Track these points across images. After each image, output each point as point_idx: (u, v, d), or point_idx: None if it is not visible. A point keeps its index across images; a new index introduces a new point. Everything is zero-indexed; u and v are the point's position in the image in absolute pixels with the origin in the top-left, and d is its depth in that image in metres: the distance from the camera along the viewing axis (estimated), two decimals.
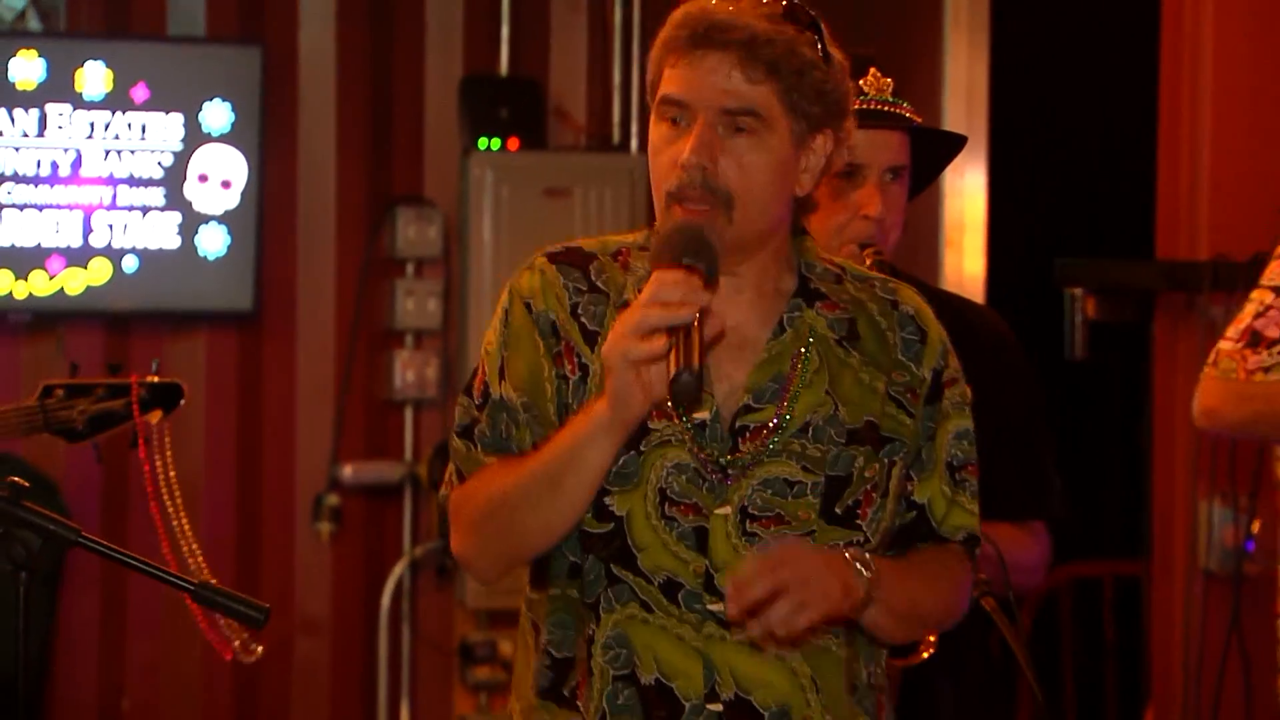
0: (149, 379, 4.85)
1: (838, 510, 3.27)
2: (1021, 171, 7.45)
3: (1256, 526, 6.12)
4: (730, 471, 3.25)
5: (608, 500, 3.23)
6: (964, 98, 7.29)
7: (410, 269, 7.67)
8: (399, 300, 7.63)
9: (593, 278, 3.33)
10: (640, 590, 3.25)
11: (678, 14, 3.27)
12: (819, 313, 3.33)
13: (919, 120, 4.25)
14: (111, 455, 7.24)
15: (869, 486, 3.29)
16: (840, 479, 3.27)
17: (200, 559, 4.93)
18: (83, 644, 7.39)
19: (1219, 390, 4.57)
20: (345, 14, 7.66)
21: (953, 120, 7.26)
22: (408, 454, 7.68)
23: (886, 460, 3.30)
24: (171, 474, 4.88)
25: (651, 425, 3.23)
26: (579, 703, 3.29)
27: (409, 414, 7.70)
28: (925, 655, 4.08)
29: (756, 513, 3.24)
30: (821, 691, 3.29)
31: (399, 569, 7.65)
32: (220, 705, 7.59)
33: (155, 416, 4.85)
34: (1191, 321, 6.18)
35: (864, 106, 4.15)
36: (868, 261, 4.08)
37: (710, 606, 3.22)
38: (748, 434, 3.26)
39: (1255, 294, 4.65)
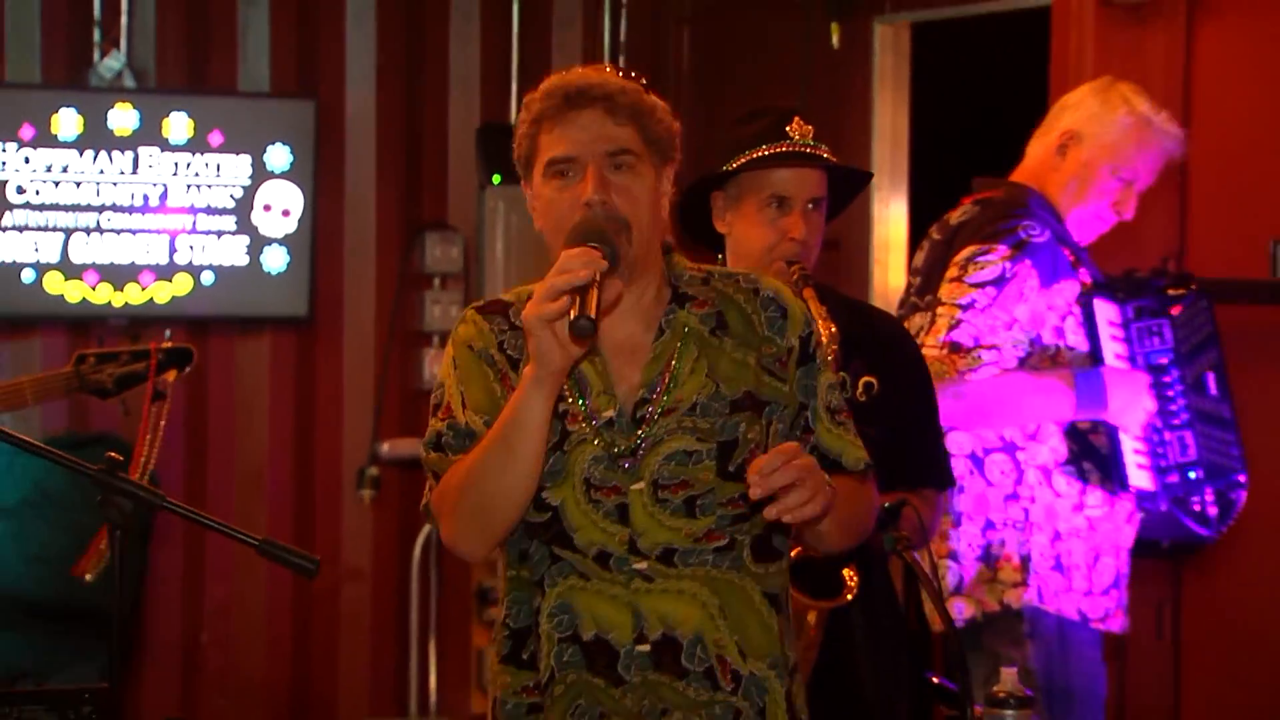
0: (164, 345, 4.89)
1: (730, 469, 3.28)
2: (936, 201, 7.42)
3: None
4: (639, 453, 3.27)
5: (544, 494, 3.25)
6: (889, 140, 7.25)
7: (436, 282, 7.69)
8: (427, 307, 7.66)
9: (511, 319, 3.36)
10: (578, 564, 3.26)
11: (541, 90, 3.33)
12: (690, 311, 3.35)
13: (834, 160, 4.29)
14: (193, 434, 7.31)
15: (754, 445, 3.30)
16: (729, 443, 3.29)
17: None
18: (168, 589, 7.40)
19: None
20: (383, 74, 7.69)
21: (879, 157, 7.26)
22: (423, 445, 7.68)
23: (766, 421, 3.33)
24: (162, 423, 4.91)
25: (569, 428, 3.26)
26: (535, 664, 3.31)
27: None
28: (849, 597, 4.14)
29: (665, 482, 3.27)
30: (728, 617, 3.29)
31: (427, 528, 7.57)
32: (281, 639, 7.59)
33: (171, 375, 4.88)
34: None
35: (790, 149, 4.23)
36: (794, 275, 4.17)
37: (635, 565, 3.25)
38: (645, 421, 3.29)
39: (942, 310, 4.80)
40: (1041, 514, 4.84)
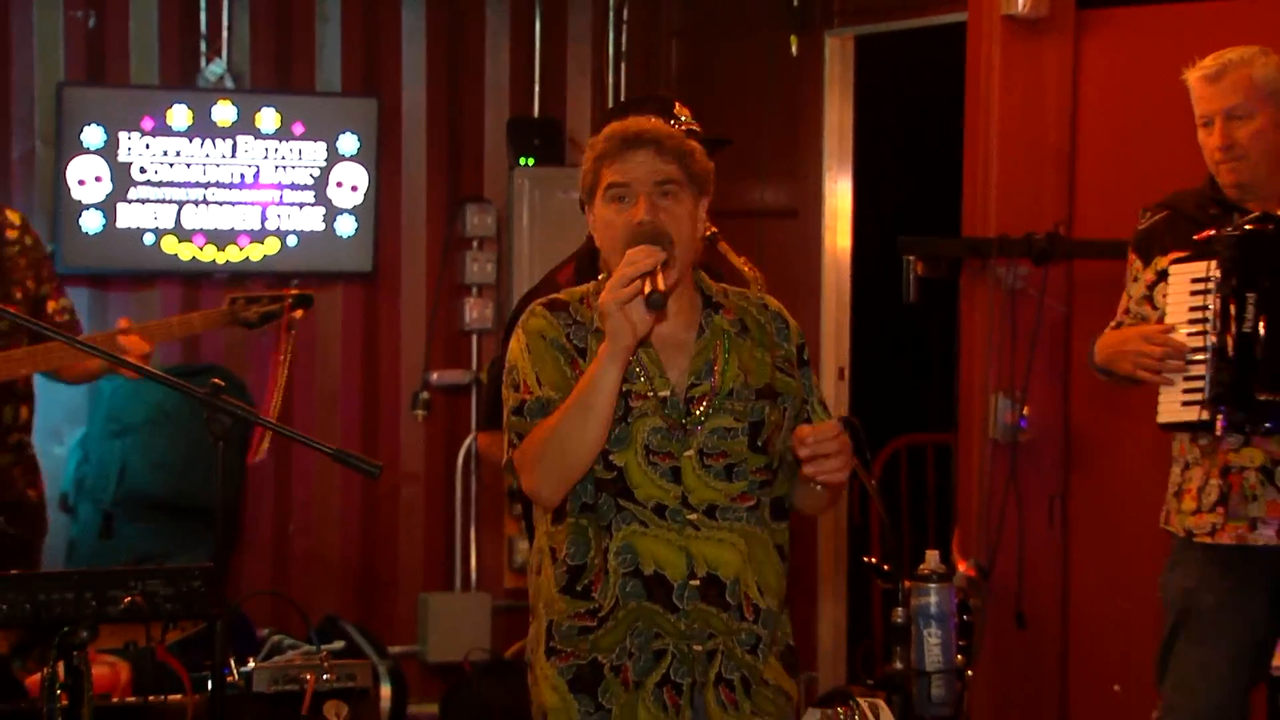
0: (293, 291, 4.93)
1: (759, 444, 3.35)
2: (876, 181, 7.44)
3: (1026, 410, 6.15)
4: (688, 427, 3.32)
5: (611, 456, 3.29)
6: (837, 131, 7.17)
7: (475, 244, 7.64)
8: (467, 265, 7.62)
9: (573, 314, 3.40)
10: (639, 514, 3.30)
11: (604, 135, 3.39)
12: (722, 316, 3.42)
13: (702, 133, 4.07)
14: (260, 365, 7.31)
15: (775, 426, 3.37)
16: (757, 424, 3.36)
17: (273, 417, 5.03)
18: (262, 489, 7.41)
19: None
20: (432, 77, 7.66)
21: (829, 145, 7.21)
22: (474, 365, 7.66)
23: (781, 408, 3.39)
24: (288, 355, 5.06)
25: (632, 404, 3.29)
26: (593, 595, 3.31)
27: (474, 340, 7.69)
28: None
29: (709, 451, 3.32)
30: (753, 561, 3.35)
31: (468, 440, 7.62)
32: (352, 530, 7.59)
33: (299, 313, 4.95)
34: (984, 278, 6.20)
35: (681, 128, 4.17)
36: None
37: (688, 517, 3.29)
38: (695, 402, 3.34)
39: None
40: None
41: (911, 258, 6.19)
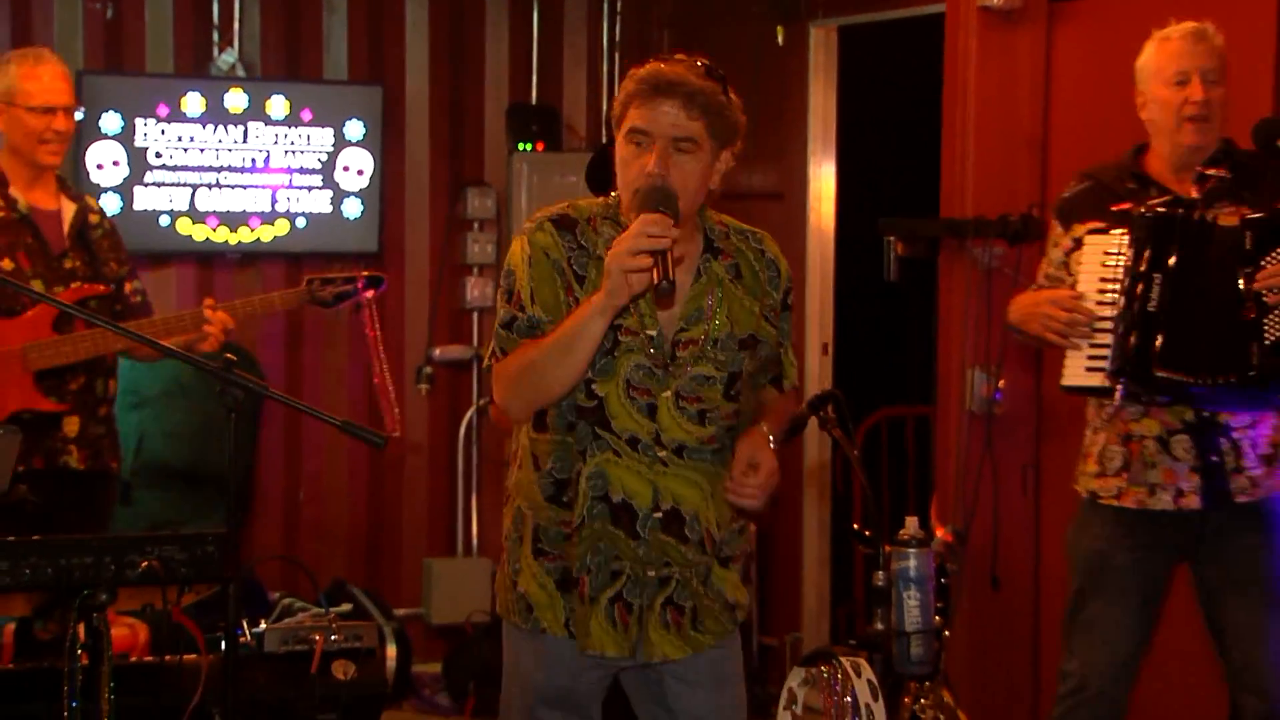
0: (366, 272, 4.99)
1: (732, 392, 3.38)
2: (858, 165, 7.43)
3: (1002, 384, 6.14)
4: (671, 369, 3.32)
5: (594, 386, 3.31)
6: (821, 118, 7.18)
7: (475, 226, 7.64)
8: (468, 245, 7.62)
9: (579, 237, 3.36)
10: (613, 443, 3.32)
11: (639, 72, 3.31)
12: (719, 262, 3.40)
13: None
14: (291, 341, 7.32)
15: (747, 376, 3.40)
16: (734, 374, 3.38)
17: (389, 381, 5.07)
18: (273, 458, 7.42)
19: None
20: (434, 66, 7.65)
21: (813, 131, 7.19)
22: (475, 342, 7.66)
23: (759, 356, 3.41)
24: (379, 333, 5.12)
25: (621, 338, 3.30)
26: (572, 505, 3.35)
27: (475, 317, 7.69)
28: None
29: (685, 395, 3.34)
30: (714, 499, 3.38)
31: (469, 413, 7.65)
32: (359, 497, 7.60)
33: (370, 293, 5.00)
34: (961, 257, 6.19)
35: None
36: None
37: (658, 453, 3.32)
38: (680, 345, 3.33)
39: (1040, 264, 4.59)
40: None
41: (892, 238, 6.18)
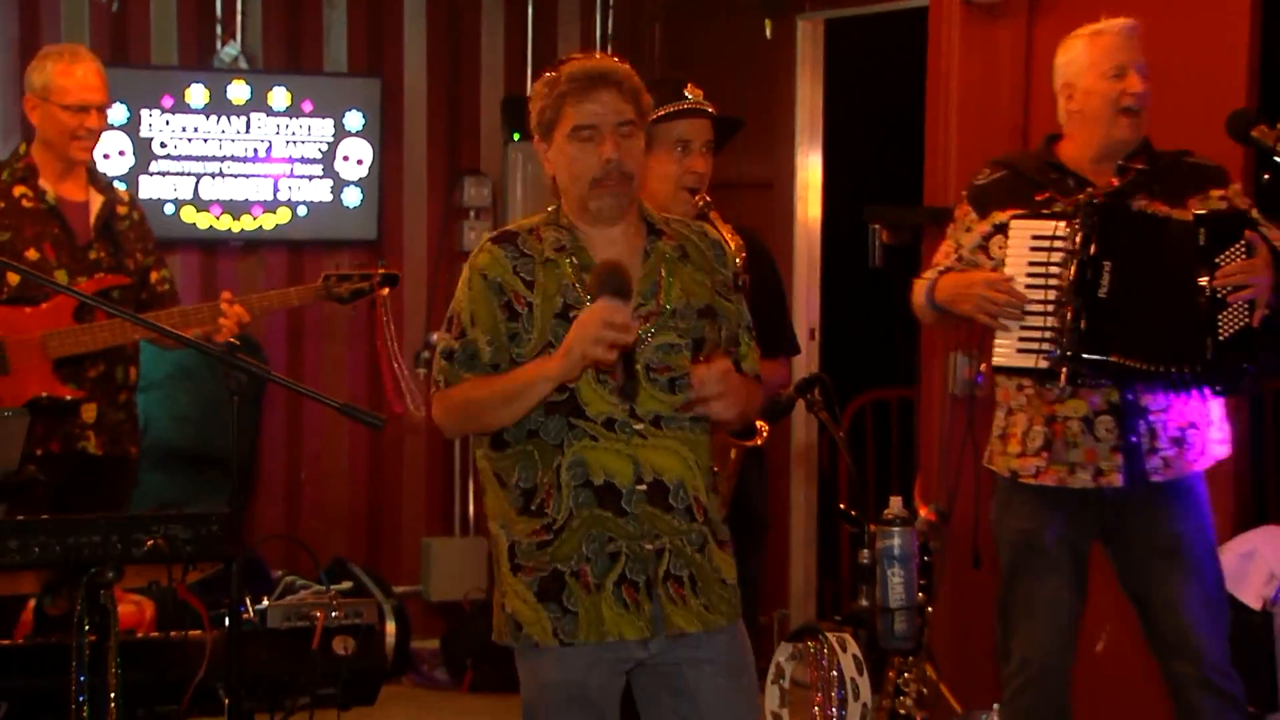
0: (381, 270, 4.93)
1: (700, 359, 3.35)
2: (844, 155, 7.44)
3: (983, 367, 6.13)
4: (637, 345, 3.29)
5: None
6: (808, 109, 7.19)
7: (472, 214, 7.63)
8: (465, 233, 7.60)
9: (520, 247, 3.36)
10: (589, 429, 3.28)
11: (567, 72, 3.35)
12: (664, 242, 3.41)
13: (716, 112, 4.31)
14: (293, 328, 7.32)
15: (713, 344, 3.38)
16: (699, 341, 3.36)
17: (405, 372, 5.02)
18: (275, 440, 7.41)
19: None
20: (432, 59, 7.64)
21: (801, 122, 7.20)
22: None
23: (719, 328, 3.40)
24: (393, 327, 4.97)
25: None
26: (546, 511, 3.30)
27: None
28: (760, 441, 4.17)
29: (655, 365, 3.32)
30: (695, 466, 3.36)
31: None
32: (360, 476, 7.60)
33: (385, 290, 4.92)
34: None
35: (688, 106, 4.25)
36: (699, 202, 4.21)
37: (635, 427, 3.29)
38: (641, 320, 3.31)
39: (941, 245, 4.60)
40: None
41: (877, 225, 6.17)
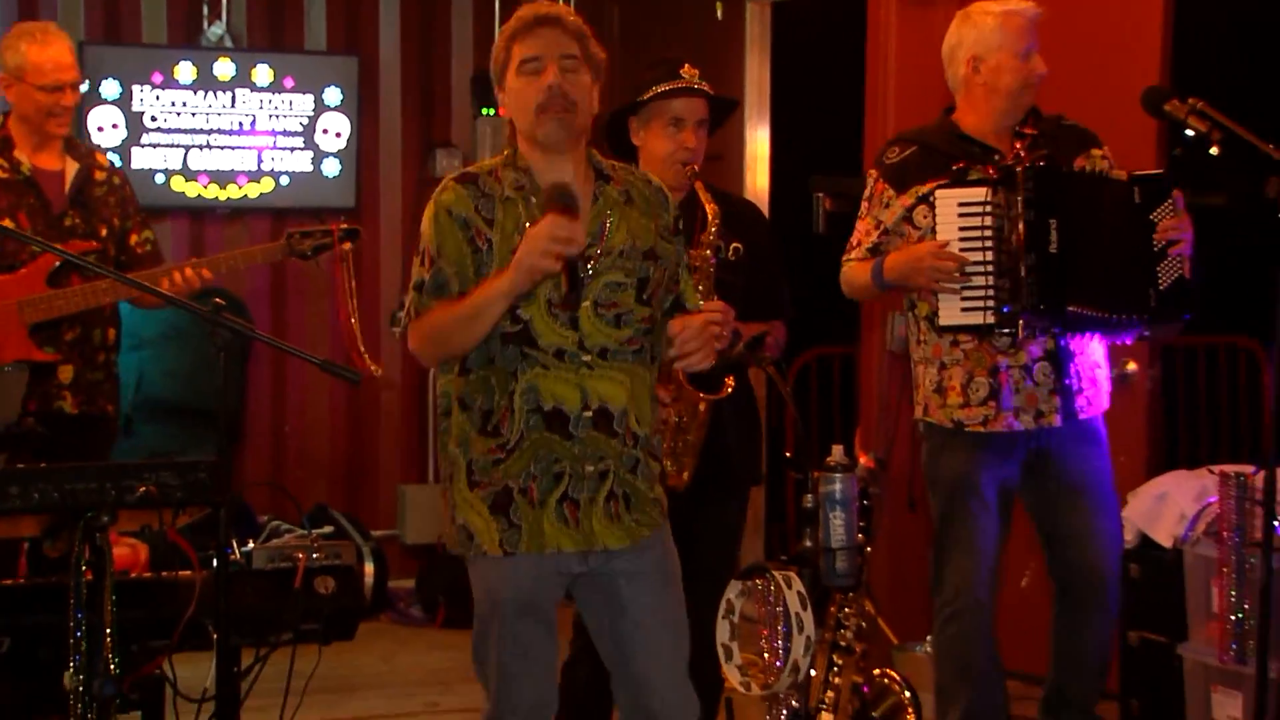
0: (343, 225, 4.83)
1: (644, 297, 3.37)
2: (790, 129, 7.44)
3: None
4: (585, 281, 3.31)
5: (518, 311, 3.29)
6: (756, 87, 7.20)
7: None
8: None
9: (481, 187, 3.35)
10: (541, 359, 3.30)
11: (515, 16, 3.38)
12: (612, 187, 3.41)
13: (712, 92, 4.30)
14: (277, 288, 7.29)
15: (656, 284, 3.39)
16: (644, 279, 3.37)
17: (358, 330, 4.90)
18: (261, 394, 7.41)
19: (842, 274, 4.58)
20: (405, 38, 7.60)
21: (749, 99, 7.18)
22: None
23: (662, 269, 3.40)
24: (353, 283, 4.82)
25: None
26: (502, 431, 3.32)
27: None
28: (726, 392, 4.17)
29: (602, 302, 3.33)
30: (636, 396, 3.37)
31: None
32: (341, 428, 7.60)
33: (347, 245, 4.80)
34: None
35: (683, 85, 4.23)
36: (688, 172, 4.19)
37: (583, 358, 3.30)
38: (590, 260, 3.33)
39: (859, 224, 4.58)
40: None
41: (821, 195, 6.20)
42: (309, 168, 7.25)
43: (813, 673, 3.94)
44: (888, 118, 6.17)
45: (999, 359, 4.37)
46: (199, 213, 7.18)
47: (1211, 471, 5.02)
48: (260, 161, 7.18)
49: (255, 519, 6.20)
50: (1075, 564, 4.50)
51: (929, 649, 5.70)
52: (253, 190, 7.18)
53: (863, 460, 5.97)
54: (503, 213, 3.32)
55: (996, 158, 4.38)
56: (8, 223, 4.69)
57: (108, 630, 3.53)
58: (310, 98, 7.22)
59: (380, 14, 7.58)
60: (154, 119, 6.97)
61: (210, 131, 7.08)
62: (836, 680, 4.04)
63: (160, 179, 7.01)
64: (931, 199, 4.35)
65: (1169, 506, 4.97)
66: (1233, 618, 4.79)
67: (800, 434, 4.12)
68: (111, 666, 3.53)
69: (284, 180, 7.22)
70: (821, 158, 6.95)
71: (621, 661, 3.43)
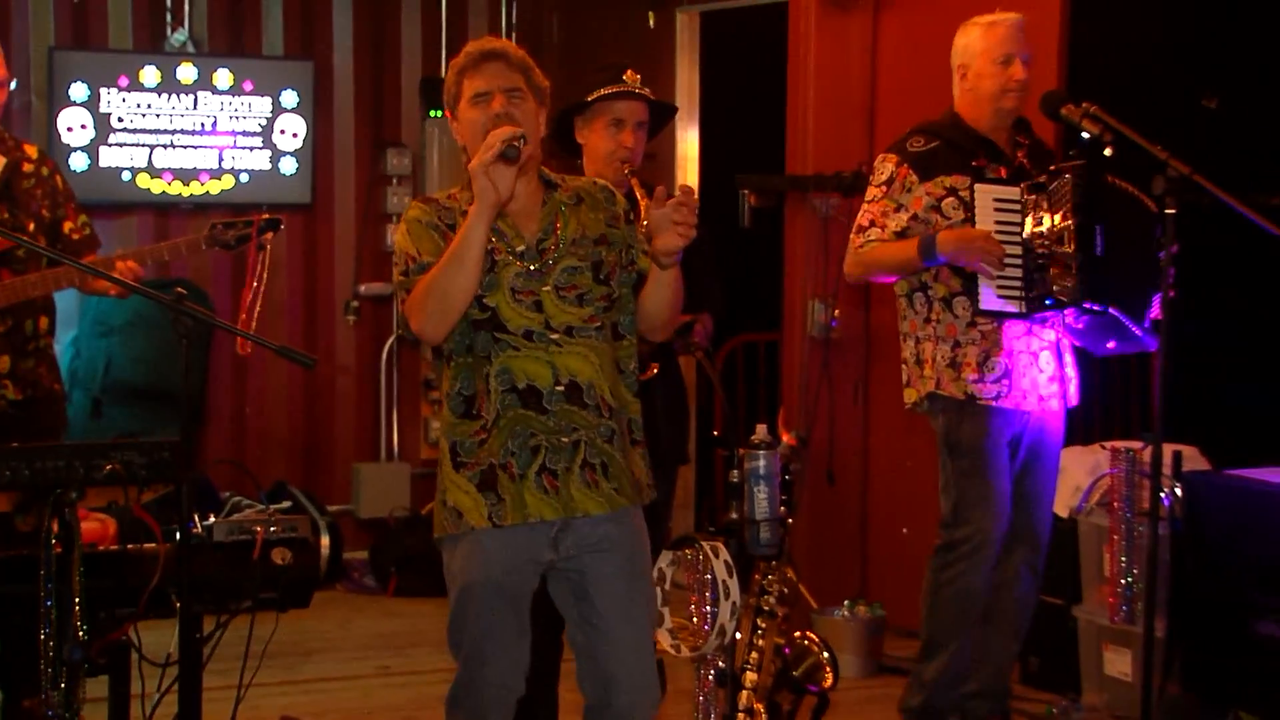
0: (264, 215, 4.69)
1: (601, 277, 3.39)
2: (717, 130, 7.45)
3: (837, 313, 6.19)
4: (544, 270, 3.34)
5: (484, 299, 3.30)
6: (686, 91, 7.21)
7: (394, 181, 7.57)
8: (388, 197, 7.55)
9: (443, 203, 3.40)
10: (511, 341, 3.31)
11: (464, 52, 3.41)
12: (560, 193, 3.44)
13: (653, 96, 4.30)
14: (235, 279, 7.22)
15: (610, 266, 3.40)
16: (597, 262, 3.39)
17: (255, 317, 4.71)
18: (222, 377, 7.36)
19: (848, 259, 4.61)
20: (358, 44, 7.55)
21: (680, 102, 7.18)
22: (395, 279, 7.63)
23: (616, 251, 3.42)
24: (264, 274, 4.65)
25: (496, 258, 3.32)
26: (481, 414, 3.33)
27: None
28: (652, 373, 4.17)
29: (562, 285, 3.35)
30: (603, 370, 3.38)
31: (390, 340, 7.60)
32: (299, 410, 7.55)
33: (269, 235, 4.64)
34: (805, 208, 6.21)
35: (625, 89, 4.22)
36: (626, 170, 4.19)
37: (551, 336, 3.32)
38: (545, 251, 3.35)
39: (864, 206, 4.59)
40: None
41: (746, 191, 6.22)
42: (267, 166, 7.20)
43: (738, 635, 3.95)
44: (808, 120, 6.20)
45: (1013, 343, 4.50)
46: (164, 208, 7.12)
47: (1104, 447, 5.10)
48: (221, 160, 7.12)
49: (217, 495, 6.11)
50: (1019, 523, 4.61)
51: (846, 614, 5.73)
52: (214, 187, 7.12)
53: (785, 438, 5.99)
54: (462, 221, 3.32)
55: (1006, 160, 4.52)
56: None
57: (76, 599, 3.51)
58: (268, 100, 7.17)
59: (334, 21, 7.53)
60: (121, 120, 6.90)
61: (174, 132, 7.02)
62: (760, 642, 4.05)
63: (127, 176, 6.94)
64: (962, 192, 4.46)
65: (1065, 479, 5.03)
66: (1123, 582, 4.87)
67: (728, 414, 4.12)
68: (80, 633, 3.51)
69: (244, 178, 7.16)
70: (746, 157, 6.98)
71: (589, 654, 3.43)
